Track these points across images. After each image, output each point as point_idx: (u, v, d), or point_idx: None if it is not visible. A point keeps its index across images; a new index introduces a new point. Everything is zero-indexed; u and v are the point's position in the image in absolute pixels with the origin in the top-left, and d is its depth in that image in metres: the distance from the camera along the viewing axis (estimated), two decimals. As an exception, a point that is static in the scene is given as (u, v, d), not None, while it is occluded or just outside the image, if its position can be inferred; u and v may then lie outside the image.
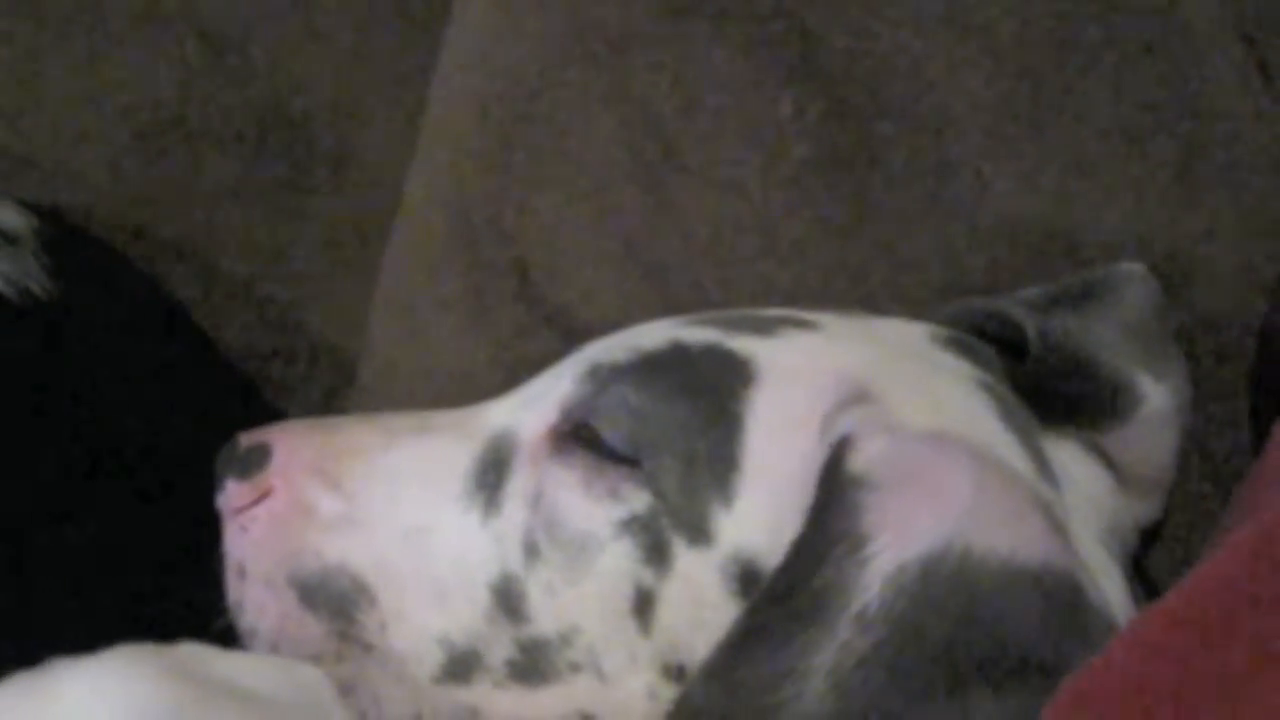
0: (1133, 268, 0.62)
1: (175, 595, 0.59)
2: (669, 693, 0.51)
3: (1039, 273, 0.63)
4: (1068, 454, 0.57)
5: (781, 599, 0.47)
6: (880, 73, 0.63)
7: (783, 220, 0.66)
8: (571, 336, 0.72)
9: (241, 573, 0.54)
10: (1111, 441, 0.58)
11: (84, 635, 0.51)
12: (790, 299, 0.67)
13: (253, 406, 0.83)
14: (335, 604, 0.52)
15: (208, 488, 0.61)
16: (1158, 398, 0.57)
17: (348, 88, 0.90)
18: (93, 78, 0.91)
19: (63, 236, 0.82)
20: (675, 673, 0.50)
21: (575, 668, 0.51)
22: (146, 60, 0.91)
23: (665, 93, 0.66)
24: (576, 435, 0.52)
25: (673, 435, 0.51)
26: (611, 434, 0.51)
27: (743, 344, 0.54)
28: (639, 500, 0.50)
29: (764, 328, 0.55)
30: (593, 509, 0.51)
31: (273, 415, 0.84)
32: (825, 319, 0.58)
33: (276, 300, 0.91)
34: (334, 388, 0.90)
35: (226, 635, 0.56)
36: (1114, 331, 0.60)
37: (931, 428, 0.51)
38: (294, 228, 0.89)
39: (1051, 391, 0.56)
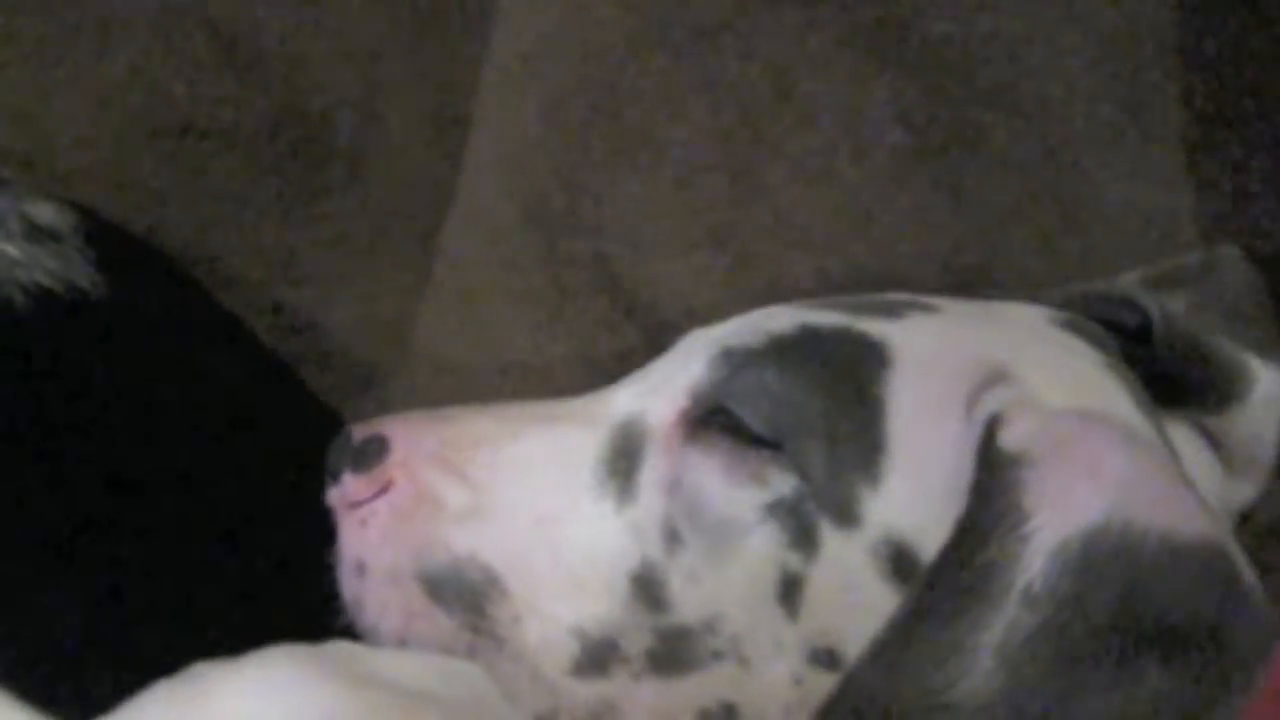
0: (1231, 250, 0.62)
1: (274, 599, 0.58)
2: (816, 679, 0.50)
3: (1136, 259, 0.64)
4: (1181, 436, 0.57)
5: (947, 578, 0.46)
6: (977, 58, 0.64)
7: (876, 208, 0.66)
8: (656, 329, 0.72)
9: (361, 569, 0.52)
10: (1216, 424, 0.59)
11: (191, 646, 0.51)
12: (881, 287, 0.68)
13: (311, 406, 0.82)
14: (466, 597, 0.51)
15: (291, 484, 0.60)
16: (1268, 380, 0.58)
17: (363, 84, 0.88)
18: (101, 77, 0.89)
19: (104, 233, 0.80)
20: (824, 658, 0.50)
21: (718, 656, 0.51)
22: (156, 58, 0.90)
23: (757, 80, 0.66)
24: (713, 420, 0.52)
25: (815, 418, 0.51)
26: (751, 418, 0.51)
27: (873, 327, 0.54)
28: (784, 484, 0.50)
29: (890, 311, 0.55)
30: (736, 494, 0.50)
31: (327, 412, 0.83)
32: (944, 302, 0.58)
33: (289, 303, 0.89)
34: (349, 393, 0.90)
35: (344, 636, 0.56)
36: (1218, 315, 0.60)
37: (1075, 406, 0.51)
38: (308, 229, 0.87)
39: (1164, 374, 0.58)
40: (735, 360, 0.52)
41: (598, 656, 0.51)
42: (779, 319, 0.55)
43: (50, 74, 0.89)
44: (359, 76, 0.90)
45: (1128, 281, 0.63)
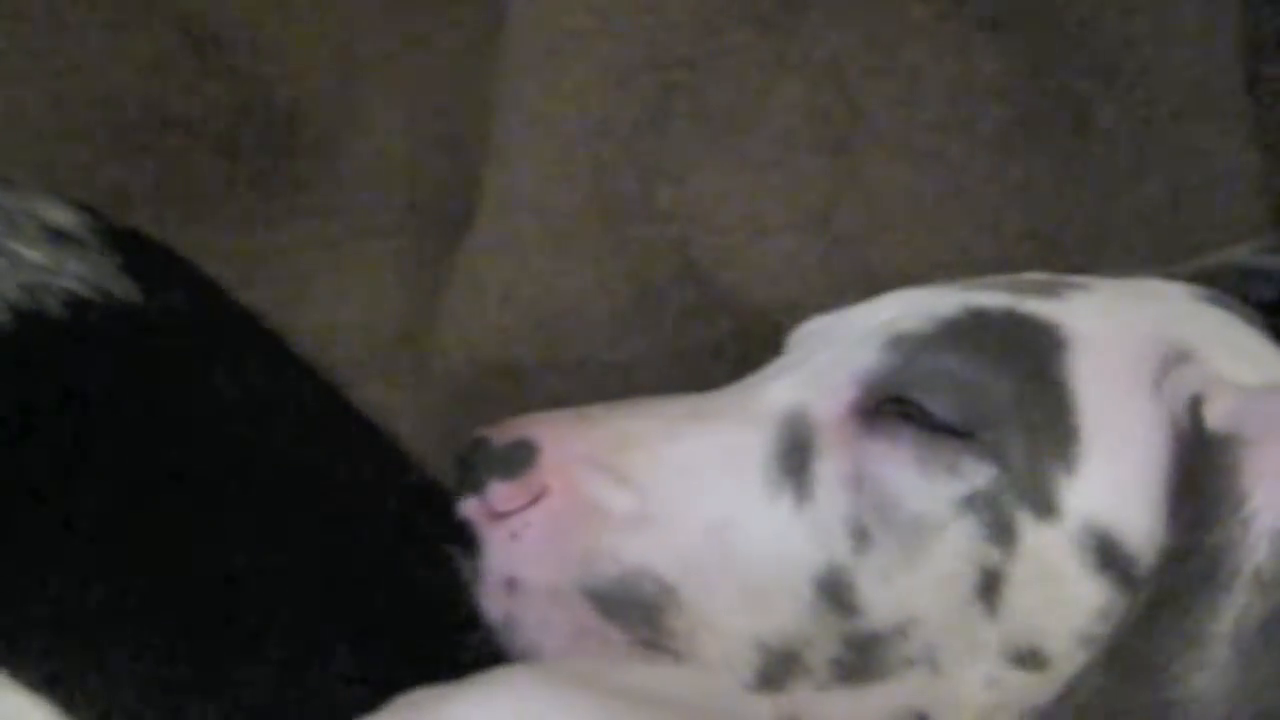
0: None
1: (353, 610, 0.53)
2: (1014, 679, 0.47)
3: (1247, 230, 0.64)
4: None
5: (1173, 569, 0.44)
6: (1086, 28, 0.63)
7: (982, 186, 0.64)
8: (749, 319, 0.69)
9: (513, 586, 0.48)
10: None
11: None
12: (985, 268, 0.66)
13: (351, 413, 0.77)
14: (639, 611, 0.47)
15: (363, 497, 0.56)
16: None
17: (335, 71, 0.84)
18: (65, 72, 0.84)
19: (121, 235, 0.74)
20: (1025, 657, 0.47)
21: (908, 662, 0.48)
22: (121, 51, 0.84)
23: (854, 53, 0.64)
24: (889, 410, 0.48)
25: (1005, 404, 0.47)
26: (939, 406, 0.47)
27: (1039, 308, 0.51)
28: (980, 475, 0.47)
29: (1048, 291, 0.53)
30: (930, 487, 0.47)
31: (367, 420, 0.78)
32: (1092, 281, 0.56)
33: (259, 305, 0.86)
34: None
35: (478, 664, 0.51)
36: None
37: (1264, 382, 0.50)
38: (279, 226, 0.83)
39: None
40: (909, 347, 0.49)
41: (780, 669, 0.47)
42: (941, 301, 0.52)
43: (10, 70, 0.82)
44: (330, 62, 0.85)
45: (1240, 253, 0.63)
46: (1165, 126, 0.63)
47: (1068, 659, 0.48)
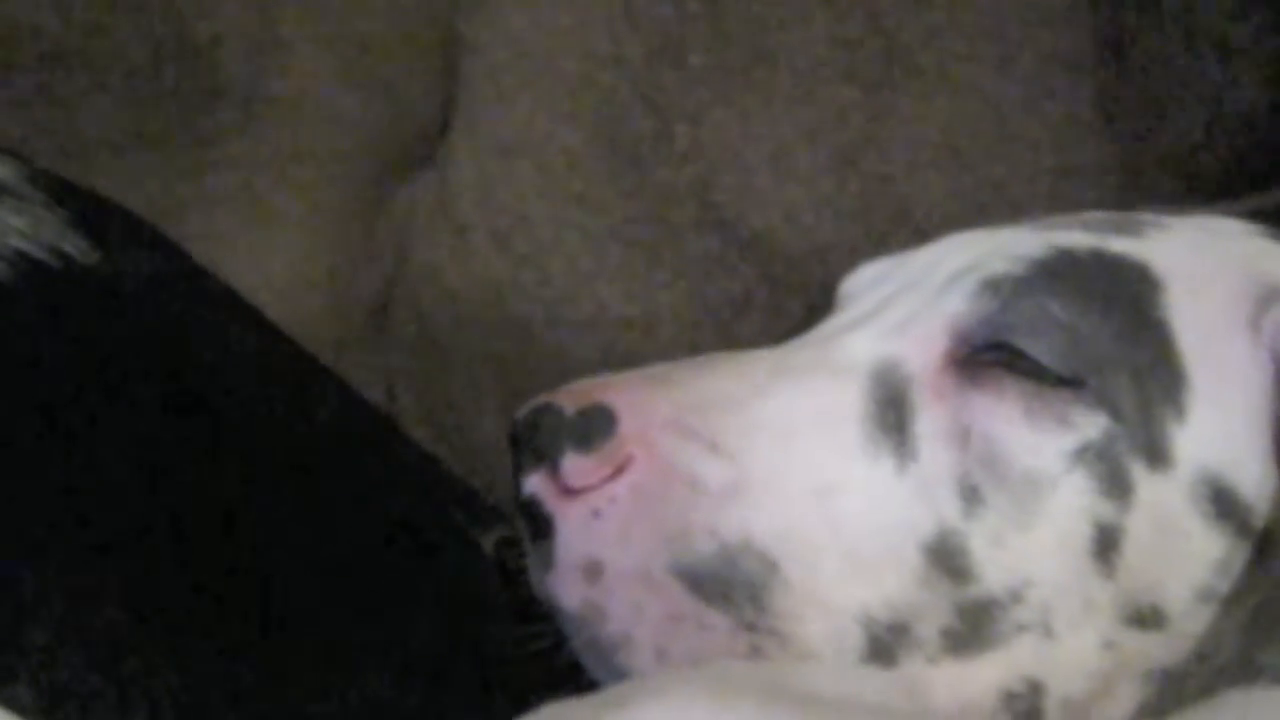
0: None
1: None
2: (1131, 641, 0.44)
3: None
4: None
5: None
6: (1127, -44, 0.61)
7: (1020, 120, 0.62)
8: (778, 267, 0.65)
9: (594, 571, 0.42)
10: None
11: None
12: (1021, 205, 0.64)
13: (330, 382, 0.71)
14: (742, 591, 0.42)
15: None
16: None
17: (256, 10, 0.78)
18: None
19: (56, 182, 0.66)
20: (1143, 617, 0.44)
21: (1022, 628, 0.44)
22: None
23: (888, -19, 0.60)
24: (987, 359, 0.45)
25: (1111, 349, 0.45)
26: (1044, 352, 0.44)
27: (1126, 247, 0.48)
28: (1092, 425, 0.44)
29: (1128, 229, 0.50)
30: (1041, 440, 0.43)
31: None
32: (1162, 218, 0.54)
33: None
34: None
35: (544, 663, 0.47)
36: None
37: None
38: (197, 179, 0.77)
39: None
40: (1004, 290, 0.45)
41: (887, 643, 0.44)
42: (1025, 242, 0.48)
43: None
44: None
45: None
46: (1202, 62, 0.62)
47: (1187, 616, 0.46)
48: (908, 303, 0.49)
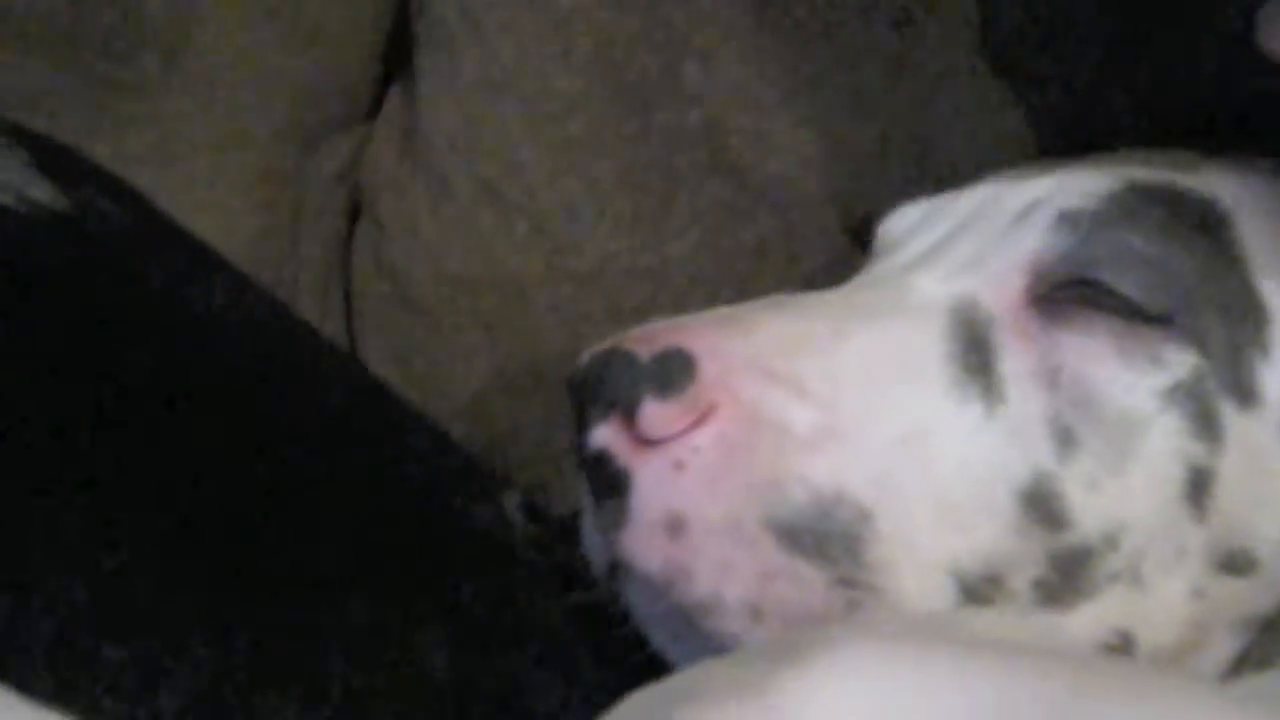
0: None
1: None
2: (1221, 588, 0.43)
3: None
4: None
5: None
6: None
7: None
8: (795, 214, 0.62)
9: (678, 527, 0.40)
10: None
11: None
12: (1042, 152, 0.62)
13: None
14: (837, 543, 0.40)
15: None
16: None
17: None
18: None
19: (20, 130, 0.60)
20: (1234, 562, 0.43)
21: (1113, 578, 0.43)
22: None
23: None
24: (1069, 297, 0.43)
25: (1196, 285, 0.44)
26: (1132, 288, 0.43)
27: (1192, 182, 0.47)
28: (1182, 363, 0.43)
29: (1185, 165, 0.48)
30: (1134, 379, 0.42)
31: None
32: (1194, 156, 0.54)
33: None
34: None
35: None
36: None
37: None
38: (116, 135, 0.72)
39: None
40: (1083, 225, 0.44)
41: (979, 596, 0.42)
42: (1086, 178, 0.47)
43: None
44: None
45: None
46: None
47: (1277, 559, 0.46)
48: (972, 241, 0.47)
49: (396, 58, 0.77)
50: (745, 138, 0.60)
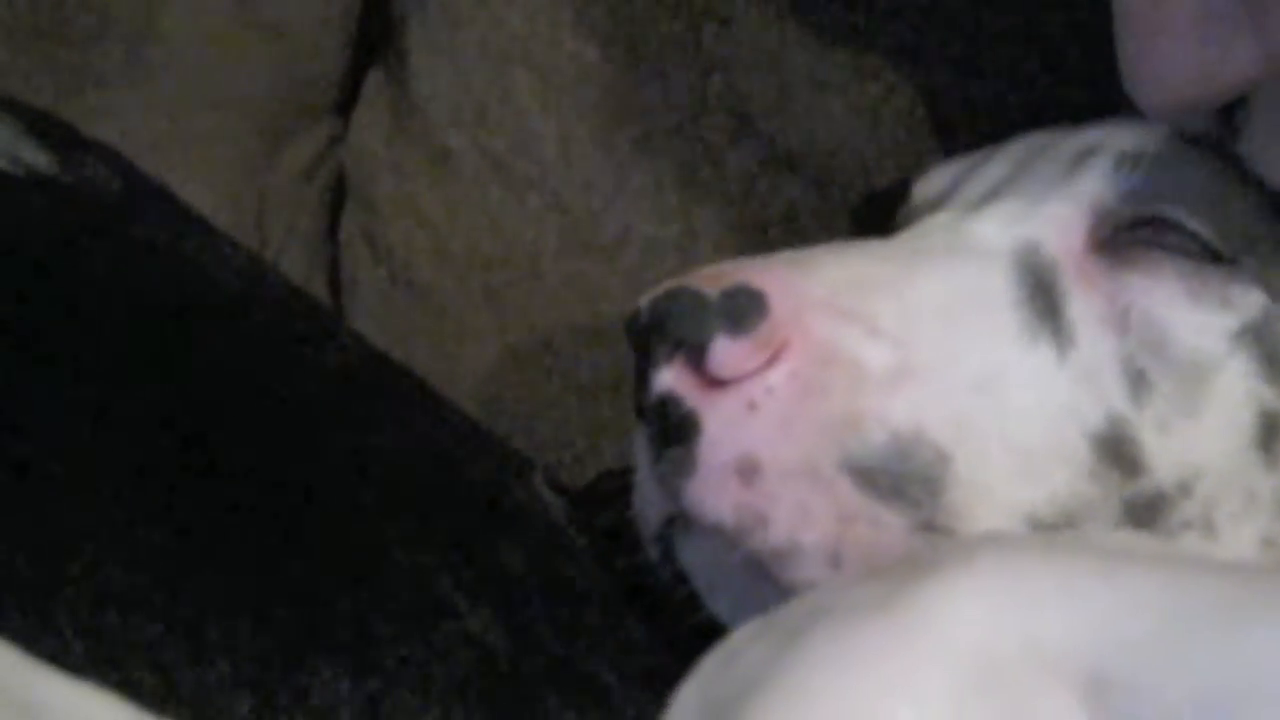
0: None
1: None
2: (1291, 536, 0.45)
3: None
4: None
5: None
6: None
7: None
8: (825, 180, 0.61)
9: (751, 471, 0.38)
10: None
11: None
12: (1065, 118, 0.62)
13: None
14: (916, 485, 0.39)
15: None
16: None
17: None
18: None
19: (8, 99, 0.57)
20: None
21: (1186, 525, 0.42)
22: None
23: None
24: (1134, 238, 0.42)
25: (1258, 224, 0.43)
26: (1201, 225, 0.42)
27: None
28: (1250, 304, 0.42)
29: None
30: (1205, 320, 0.42)
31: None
32: None
33: None
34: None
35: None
36: None
37: None
38: (80, 128, 0.70)
39: None
40: (1144, 165, 0.43)
41: None
42: (1134, 125, 0.46)
43: None
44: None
45: None
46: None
47: None
48: (1027, 188, 0.47)
49: (372, 42, 0.75)
50: (769, 104, 0.59)
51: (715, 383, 0.39)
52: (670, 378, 0.40)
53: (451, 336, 0.66)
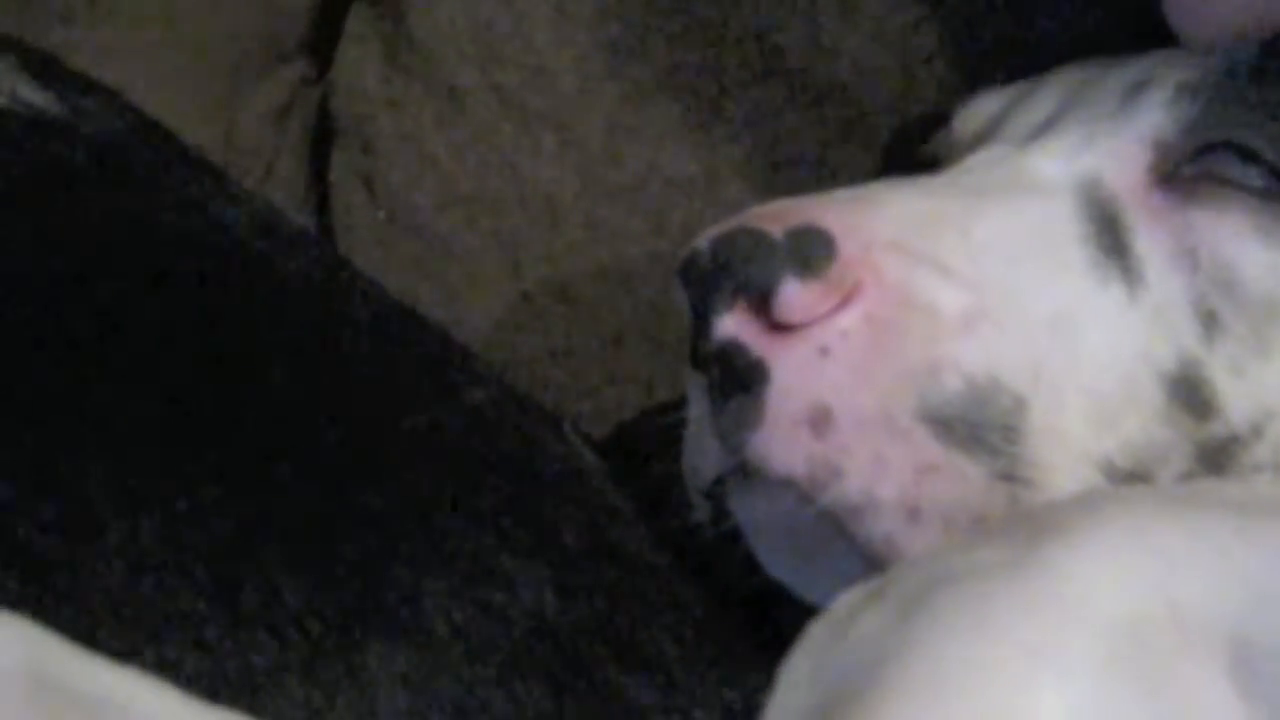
0: None
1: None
2: (1361, 483, 0.44)
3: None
4: None
5: None
6: None
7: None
8: (854, 117, 0.58)
9: (824, 420, 0.36)
10: None
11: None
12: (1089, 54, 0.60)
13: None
14: (995, 433, 0.37)
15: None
16: None
17: None
18: None
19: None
20: None
21: (1258, 468, 0.41)
22: None
23: None
24: (1195, 172, 0.41)
25: None
26: (1270, 152, 0.40)
27: None
28: None
29: None
30: (1276, 258, 0.40)
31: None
32: None
33: None
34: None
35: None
36: None
37: None
38: None
39: None
40: (1203, 94, 0.41)
41: None
42: (1181, 56, 0.44)
43: None
44: None
45: None
46: None
47: None
48: (1081, 121, 0.44)
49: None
50: (797, 38, 0.57)
51: (782, 328, 0.37)
52: (733, 324, 0.38)
53: (461, 284, 0.63)
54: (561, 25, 0.60)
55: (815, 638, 0.28)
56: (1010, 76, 0.55)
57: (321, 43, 0.76)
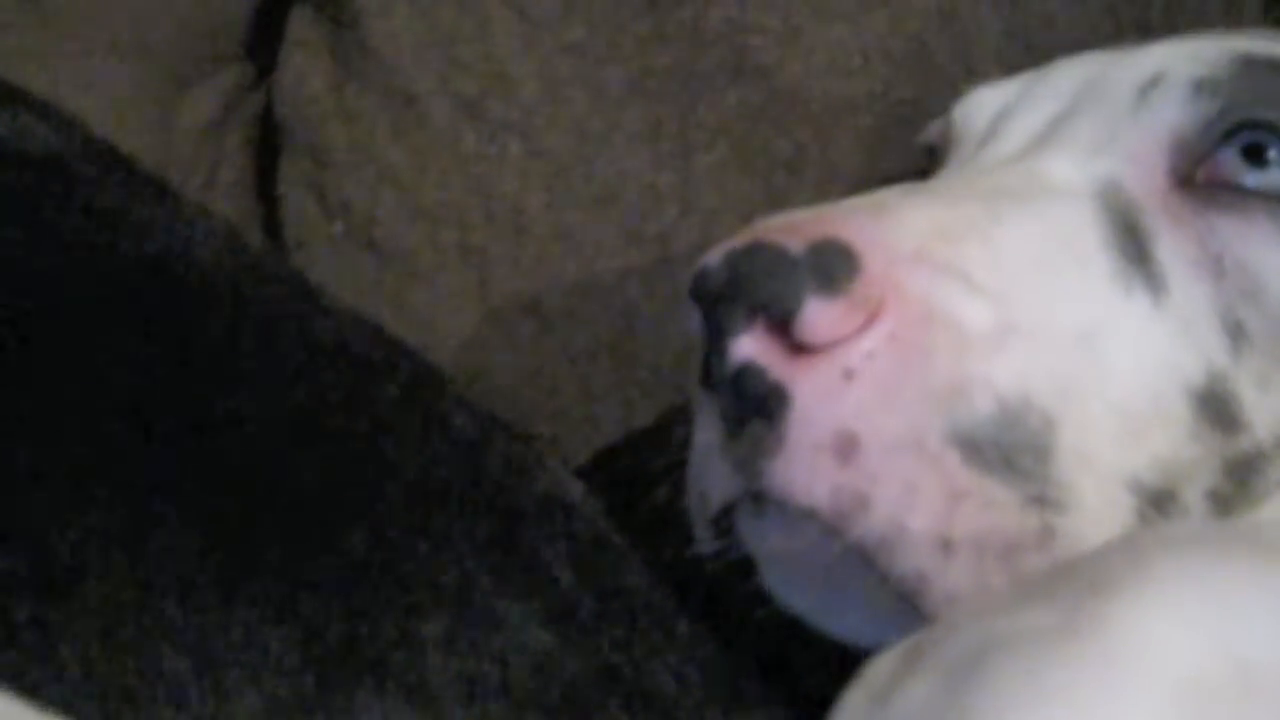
0: None
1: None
2: (1388, 495, 0.43)
3: None
4: None
5: None
6: None
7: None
8: (828, 120, 0.56)
9: (849, 447, 0.34)
10: None
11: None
12: (1074, 45, 0.58)
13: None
14: (1026, 456, 0.34)
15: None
16: None
17: None
18: None
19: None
20: None
21: (1280, 485, 0.41)
22: None
23: None
24: (1215, 174, 0.39)
25: None
26: None
27: None
28: None
29: (1272, 37, 0.48)
30: None
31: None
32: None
33: None
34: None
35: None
36: None
37: None
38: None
39: None
40: (1221, 92, 0.40)
41: (1153, 514, 0.37)
42: (1191, 50, 0.42)
43: None
44: None
45: None
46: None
47: None
48: (1094, 120, 0.43)
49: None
50: (770, 37, 0.55)
51: (802, 349, 0.35)
52: (751, 345, 0.35)
53: (425, 301, 0.60)
54: (524, 29, 0.57)
55: (853, 707, 0.26)
56: (998, 73, 0.54)
57: (260, 46, 0.73)
